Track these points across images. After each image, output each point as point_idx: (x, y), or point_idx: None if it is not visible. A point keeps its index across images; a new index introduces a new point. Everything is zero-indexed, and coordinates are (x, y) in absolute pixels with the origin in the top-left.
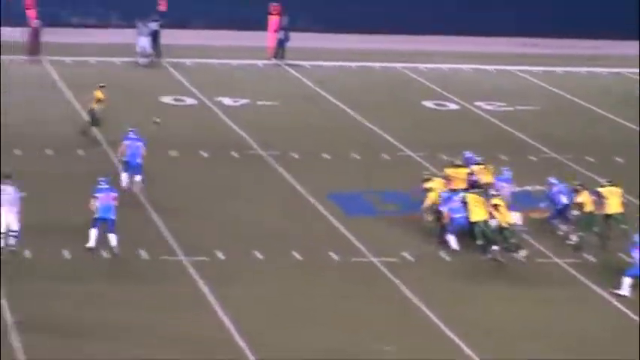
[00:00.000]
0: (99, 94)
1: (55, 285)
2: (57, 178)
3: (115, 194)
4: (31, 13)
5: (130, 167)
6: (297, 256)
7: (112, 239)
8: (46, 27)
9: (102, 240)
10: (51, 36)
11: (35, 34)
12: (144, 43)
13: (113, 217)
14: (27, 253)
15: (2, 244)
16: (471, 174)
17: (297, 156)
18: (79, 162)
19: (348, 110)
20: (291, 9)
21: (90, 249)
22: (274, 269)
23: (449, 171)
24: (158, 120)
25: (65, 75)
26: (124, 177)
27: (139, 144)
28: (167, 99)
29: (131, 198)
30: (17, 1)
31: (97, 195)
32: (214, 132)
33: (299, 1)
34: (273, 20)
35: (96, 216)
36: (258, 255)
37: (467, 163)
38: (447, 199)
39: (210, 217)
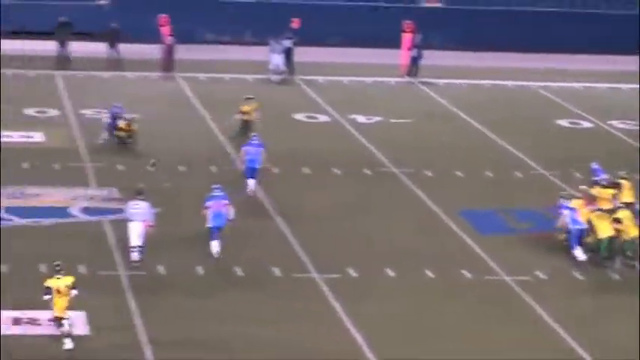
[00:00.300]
0: (245, 107)
1: (189, 300)
2: (190, 194)
3: (226, 202)
4: (165, 31)
5: (250, 172)
6: (430, 273)
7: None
8: (179, 44)
9: (233, 255)
10: (185, 53)
11: (169, 51)
12: (277, 60)
13: (223, 224)
14: (161, 269)
15: (136, 257)
16: (615, 194)
17: (429, 173)
18: (211, 178)
19: (481, 128)
20: (425, 27)
21: (216, 258)
22: (406, 287)
23: (595, 191)
24: (154, 163)
25: (198, 91)
26: (250, 183)
27: (260, 149)
28: (300, 116)
29: (264, 214)
30: (152, 19)
31: (208, 203)
32: (347, 149)
33: (433, 19)
34: (407, 38)
35: (209, 225)
36: (390, 272)
37: (595, 174)
38: (563, 208)
39: (342, 234)
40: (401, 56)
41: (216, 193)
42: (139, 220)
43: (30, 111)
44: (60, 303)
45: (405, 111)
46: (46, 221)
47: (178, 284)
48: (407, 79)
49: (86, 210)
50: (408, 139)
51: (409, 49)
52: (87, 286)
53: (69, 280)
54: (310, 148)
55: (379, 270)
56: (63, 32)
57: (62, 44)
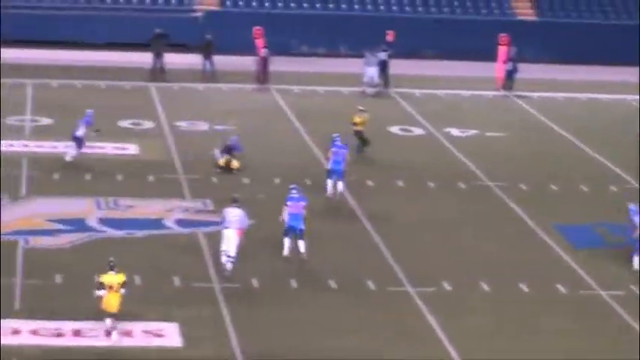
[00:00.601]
0: (356, 118)
1: (283, 312)
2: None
3: (304, 203)
4: (260, 43)
5: (334, 173)
6: (524, 287)
7: (301, 246)
8: (274, 56)
9: (327, 267)
10: (279, 65)
11: (264, 63)
12: (372, 73)
13: (302, 226)
14: (254, 281)
15: (228, 267)
16: None
17: (524, 187)
18: (306, 191)
19: (576, 141)
20: (519, 40)
21: (285, 258)
22: (501, 301)
23: None
24: (97, 131)
25: (293, 104)
26: (329, 184)
27: (344, 151)
28: (394, 129)
29: (358, 226)
30: (247, 30)
31: (287, 203)
32: (442, 163)
33: (528, 32)
34: (502, 51)
35: (286, 225)
36: (485, 286)
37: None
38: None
39: (436, 248)
40: (496, 69)
41: (294, 194)
42: (233, 228)
43: (124, 123)
44: (111, 299)
45: (500, 124)
46: (141, 233)
47: (272, 296)
48: (502, 92)
49: (180, 222)
50: (503, 152)
51: (504, 62)
52: (181, 297)
53: (121, 277)
54: (405, 160)
55: (473, 284)
56: (158, 44)
57: (157, 56)
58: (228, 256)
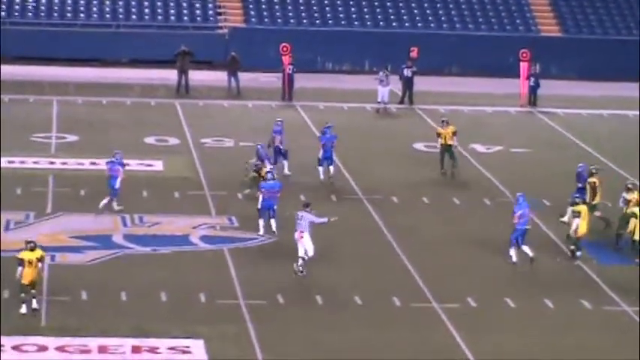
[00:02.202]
0: (440, 130)
1: (309, 330)
2: None
3: (278, 188)
4: (286, 59)
5: (325, 160)
6: (549, 304)
7: (273, 224)
8: (299, 72)
9: (351, 284)
10: (305, 81)
11: (289, 80)
12: (382, 92)
13: (275, 206)
14: (280, 298)
15: (298, 269)
16: None
17: (548, 203)
18: (332, 206)
19: (601, 158)
20: (545, 56)
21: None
22: (526, 317)
23: None
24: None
25: (318, 120)
26: (321, 171)
27: (333, 140)
28: (419, 145)
29: (383, 242)
30: (272, 47)
31: (262, 190)
32: (466, 179)
33: (553, 49)
34: (524, 67)
35: (259, 206)
36: (510, 302)
37: None
38: None
39: (461, 264)
40: (520, 85)
41: (269, 179)
42: (299, 231)
43: (150, 139)
44: (28, 273)
45: (525, 140)
46: (166, 249)
47: (297, 312)
48: (526, 108)
49: (206, 238)
50: (528, 169)
51: (527, 78)
52: (207, 314)
53: (39, 253)
54: (430, 177)
55: (499, 300)
56: (183, 60)
57: (182, 73)
58: (303, 259)
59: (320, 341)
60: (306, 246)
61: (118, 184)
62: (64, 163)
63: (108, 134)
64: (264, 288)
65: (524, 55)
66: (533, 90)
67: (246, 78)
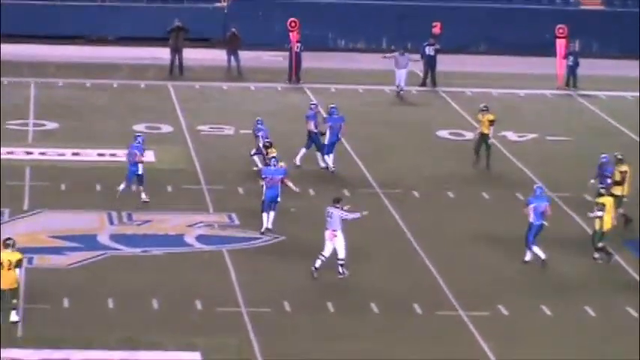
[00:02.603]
0: (479, 116)
1: (317, 343)
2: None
3: (282, 176)
4: (294, 36)
5: (332, 146)
6: (590, 311)
7: (270, 218)
8: (308, 51)
9: (368, 289)
10: (313, 61)
11: (296, 59)
12: (399, 76)
13: (279, 198)
14: (286, 306)
15: (314, 268)
16: None
17: (589, 197)
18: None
19: None
20: (585, 33)
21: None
22: (565, 326)
23: None
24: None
25: (328, 105)
26: (327, 158)
27: (341, 123)
28: (443, 133)
29: (403, 242)
30: (277, 23)
31: (264, 177)
32: (497, 171)
33: (594, 24)
34: (561, 44)
35: (264, 199)
36: (546, 310)
37: None
38: None
39: (491, 267)
40: (556, 65)
41: (273, 163)
42: (330, 229)
43: (139, 126)
44: (5, 276)
45: (562, 127)
46: (158, 251)
47: (306, 322)
48: (564, 90)
49: (203, 238)
50: (566, 159)
51: (564, 57)
52: (204, 323)
53: (17, 256)
54: (455, 169)
55: (534, 307)
56: (177, 38)
57: (176, 51)
58: (323, 260)
59: (332, 354)
60: (337, 246)
61: (140, 170)
62: (43, 154)
63: (92, 121)
64: (268, 294)
65: (562, 31)
66: (572, 70)
67: (247, 57)
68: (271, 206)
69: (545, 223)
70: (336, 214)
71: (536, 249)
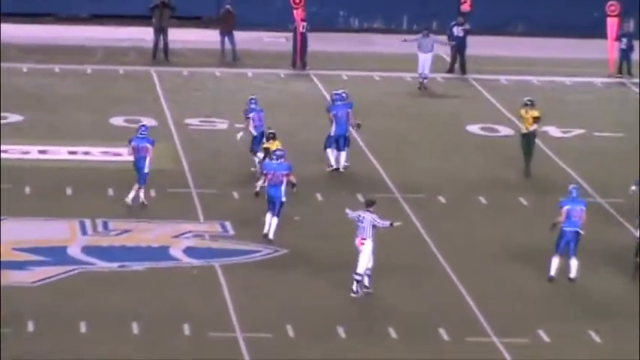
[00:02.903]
0: (521, 111)
1: None
2: (331, 224)
3: (286, 172)
4: (299, 14)
5: (340, 139)
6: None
7: (273, 224)
8: (315, 32)
9: (386, 309)
10: (322, 43)
11: (302, 41)
12: (423, 61)
13: (283, 198)
14: (290, 331)
15: (357, 290)
16: None
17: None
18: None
19: None
20: (637, 9)
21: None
22: (616, 355)
23: None
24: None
25: None
26: (333, 155)
27: (348, 110)
28: (474, 128)
29: (426, 254)
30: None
31: (265, 172)
32: (537, 172)
33: None
34: (612, 24)
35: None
36: (595, 337)
37: None
38: None
39: (529, 285)
40: (607, 49)
41: (274, 157)
42: (359, 237)
43: (117, 120)
44: None
45: (614, 121)
46: (139, 266)
47: (313, 349)
48: (616, 78)
49: (192, 251)
50: (617, 158)
51: (616, 39)
52: (193, 351)
53: None
54: (488, 169)
55: (579, 331)
56: (161, 16)
57: (160, 31)
58: (358, 280)
59: None
60: (360, 256)
61: (147, 168)
62: (5, 152)
63: (62, 113)
64: (268, 317)
65: (613, 8)
66: (625, 55)
67: (244, 38)
68: (274, 209)
69: (580, 230)
70: (368, 218)
71: (573, 262)
